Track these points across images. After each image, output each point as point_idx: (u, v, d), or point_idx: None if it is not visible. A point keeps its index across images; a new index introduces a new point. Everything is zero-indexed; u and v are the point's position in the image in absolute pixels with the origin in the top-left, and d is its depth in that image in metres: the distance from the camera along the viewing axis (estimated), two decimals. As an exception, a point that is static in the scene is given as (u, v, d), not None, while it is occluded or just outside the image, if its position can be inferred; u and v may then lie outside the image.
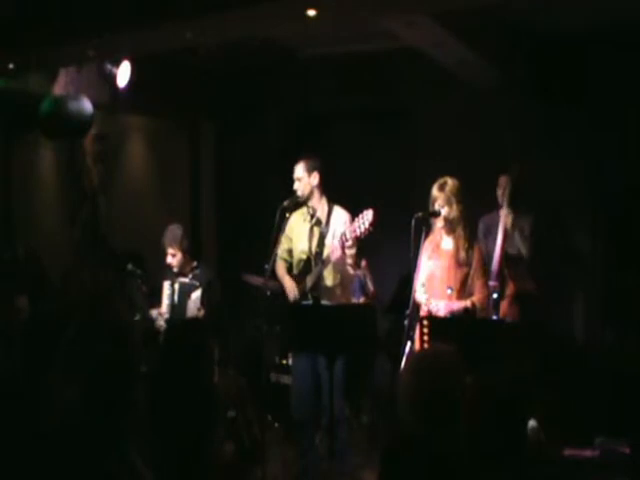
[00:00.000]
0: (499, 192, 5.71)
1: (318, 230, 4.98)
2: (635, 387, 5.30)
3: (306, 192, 4.99)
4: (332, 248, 4.78)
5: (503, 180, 5.69)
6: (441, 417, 2.67)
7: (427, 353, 3.31)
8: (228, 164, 8.19)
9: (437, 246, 4.88)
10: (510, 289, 5.44)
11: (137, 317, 5.73)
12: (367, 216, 4.56)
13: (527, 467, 2.84)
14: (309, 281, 4.92)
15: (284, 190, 5.19)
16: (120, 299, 5.91)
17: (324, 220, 4.99)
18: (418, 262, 4.76)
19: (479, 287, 4.84)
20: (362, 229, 4.57)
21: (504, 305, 5.37)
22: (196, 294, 5.64)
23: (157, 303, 5.82)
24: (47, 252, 6.70)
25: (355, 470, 4.95)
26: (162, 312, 5.74)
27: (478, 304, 4.80)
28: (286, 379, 5.86)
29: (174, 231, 5.72)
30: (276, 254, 5.04)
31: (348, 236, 4.65)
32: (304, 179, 4.98)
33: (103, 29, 5.15)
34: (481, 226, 5.68)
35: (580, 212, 6.57)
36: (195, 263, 5.81)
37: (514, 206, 5.56)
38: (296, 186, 5.01)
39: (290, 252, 5.12)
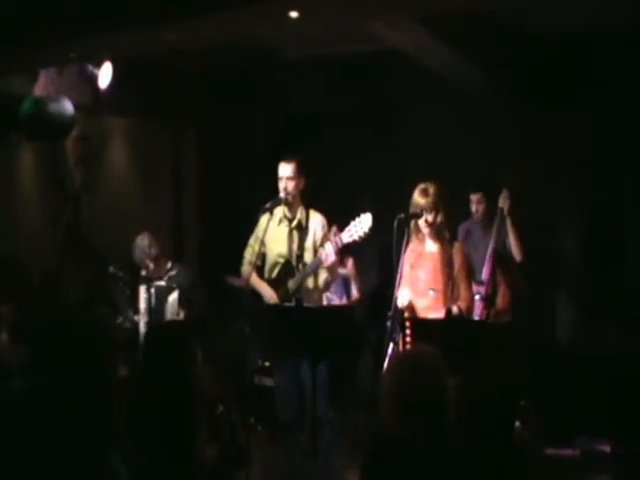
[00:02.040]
0: (472, 208, 5.76)
1: (298, 233, 4.94)
2: (617, 386, 5.33)
3: (294, 193, 4.94)
4: (326, 253, 4.72)
5: (475, 197, 5.74)
6: (423, 418, 2.68)
7: (409, 354, 3.32)
8: (211, 165, 8.17)
9: (420, 254, 4.86)
10: (502, 294, 5.43)
11: (120, 320, 5.70)
12: (366, 220, 4.54)
13: (511, 467, 2.85)
14: (293, 284, 4.90)
15: (268, 192, 5.17)
16: (102, 302, 5.89)
17: (304, 223, 4.96)
18: (400, 263, 4.76)
19: (464, 290, 4.84)
20: (360, 233, 4.55)
21: (496, 310, 5.36)
22: (173, 297, 5.61)
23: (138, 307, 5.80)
24: (29, 255, 6.65)
25: (339, 471, 4.95)
26: (144, 316, 5.72)
27: (465, 309, 4.80)
28: (269, 381, 5.85)
29: (140, 244, 5.72)
30: (244, 258, 5.00)
31: (344, 240, 4.62)
32: (295, 180, 4.92)
33: (85, 31, 5.12)
34: (460, 231, 5.71)
35: (565, 213, 6.60)
36: (170, 264, 5.77)
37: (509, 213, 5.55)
38: (284, 186, 4.90)
39: (261, 256, 5.05)
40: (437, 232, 4.82)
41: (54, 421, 2.29)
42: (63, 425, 2.28)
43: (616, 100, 6.20)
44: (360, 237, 4.55)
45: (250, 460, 4.77)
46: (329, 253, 4.68)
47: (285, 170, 4.90)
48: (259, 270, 5.06)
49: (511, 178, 5.44)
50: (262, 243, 4.97)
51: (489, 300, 5.27)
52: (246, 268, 5.04)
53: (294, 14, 4.73)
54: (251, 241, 5.00)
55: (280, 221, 4.99)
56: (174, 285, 5.65)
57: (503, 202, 5.43)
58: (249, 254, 5.00)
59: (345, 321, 4.37)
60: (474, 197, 5.77)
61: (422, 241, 4.87)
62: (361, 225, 4.54)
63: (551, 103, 6.42)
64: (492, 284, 5.32)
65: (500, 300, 5.42)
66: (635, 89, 6.05)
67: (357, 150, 7.33)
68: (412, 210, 4.81)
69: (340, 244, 4.64)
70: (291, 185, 4.90)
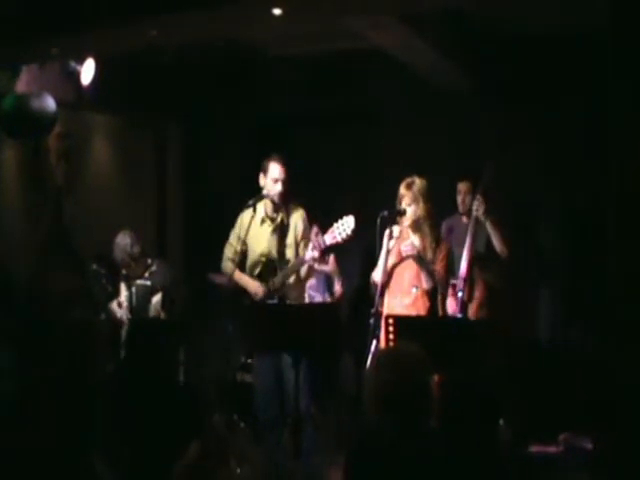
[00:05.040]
0: (459, 199, 5.76)
1: (280, 232, 4.93)
2: (597, 384, 5.37)
3: (282, 193, 4.93)
4: (308, 255, 4.72)
5: (462, 187, 5.74)
6: (406, 415, 2.68)
7: (392, 351, 3.32)
8: (195, 163, 8.15)
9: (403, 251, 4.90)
10: (479, 291, 5.46)
11: (102, 317, 5.69)
12: (349, 223, 4.56)
13: (495, 463, 2.87)
14: (276, 282, 4.89)
15: (251, 189, 5.15)
16: (83, 300, 5.86)
17: (286, 221, 4.96)
18: (384, 260, 4.78)
19: (440, 269, 4.91)
20: (344, 235, 4.56)
21: (473, 307, 5.39)
22: (156, 298, 5.62)
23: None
24: (9, 253, 6.61)
25: (322, 469, 4.95)
26: (122, 301, 5.72)
27: (440, 276, 4.85)
28: (252, 378, 5.84)
29: (121, 243, 5.72)
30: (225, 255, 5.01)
31: (327, 242, 4.62)
32: (288, 181, 4.88)
33: (67, 27, 5.10)
34: (443, 227, 5.73)
35: (547, 212, 6.63)
36: (149, 261, 5.77)
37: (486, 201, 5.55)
38: (280, 188, 4.87)
39: (242, 254, 5.04)
40: (417, 226, 4.86)
41: (37, 422, 2.28)
42: (46, 426, 2.27)
43: (601, 99, 6.21)
44: (343, 239, 4.57)
45: (232, 457, 4.77)
46: (311, 256, 4.70)
47: (281, 172, 4.87)
48: (240, 267, 5.06)
49: (482, 183, 5.48)
50: (243, 242, 4.97)
51: (467, 296, 5.32)
52: (227, 265, 5.05)
53: (277, 11, 4.73)
54: (231, 239, 5.01)
55: (263, 221, 4.99)
56: (157, 285, 5.65)
57: (477, 209, 5.46)
58: (230, 252, 5.01)
59: (328, 318, 4.37)
60: (462, 187, 5.76)
61: (405, 238, 4.91)
62: (344, 227, 4.56)
63: (534, 103, 6.45)
64: (469, 281, 5.36)
65: (477, 295, 5.45)
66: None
67: (339, 149, 7.33)
68: (397, 207, 4.85)
69: (323, 245, 4.65)
70: (276, 186, 4.89)
